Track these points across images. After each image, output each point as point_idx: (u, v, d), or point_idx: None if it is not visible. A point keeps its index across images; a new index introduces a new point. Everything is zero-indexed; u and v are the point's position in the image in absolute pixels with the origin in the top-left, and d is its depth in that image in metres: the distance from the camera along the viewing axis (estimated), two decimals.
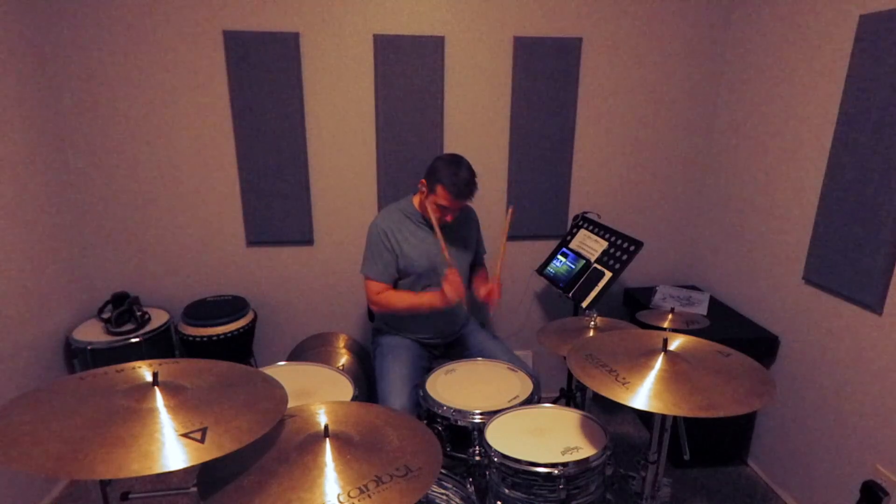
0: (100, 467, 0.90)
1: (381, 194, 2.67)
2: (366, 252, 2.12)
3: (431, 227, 2.12)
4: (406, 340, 2.22)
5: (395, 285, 2.15)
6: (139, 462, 0.92)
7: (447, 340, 2.29)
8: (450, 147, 2.64)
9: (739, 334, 2.36)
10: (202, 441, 0.99)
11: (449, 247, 2.14)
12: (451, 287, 1.96)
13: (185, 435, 1.00)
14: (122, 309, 2.36)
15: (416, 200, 2.14)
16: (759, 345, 2.34)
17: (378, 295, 2.08)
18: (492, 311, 2.13)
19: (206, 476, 1.06)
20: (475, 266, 2.37)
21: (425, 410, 1.80)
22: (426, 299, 2.03)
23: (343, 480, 1.02)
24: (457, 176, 1.95)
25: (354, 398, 1.70)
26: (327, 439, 1.12)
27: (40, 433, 0.97)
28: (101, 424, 1.00)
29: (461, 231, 2.21)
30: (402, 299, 2.08)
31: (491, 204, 2.75)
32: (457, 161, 1.99)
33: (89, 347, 2.23)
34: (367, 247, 2.11)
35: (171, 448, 0.96)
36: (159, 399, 1.09)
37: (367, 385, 2.64)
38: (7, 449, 0.93)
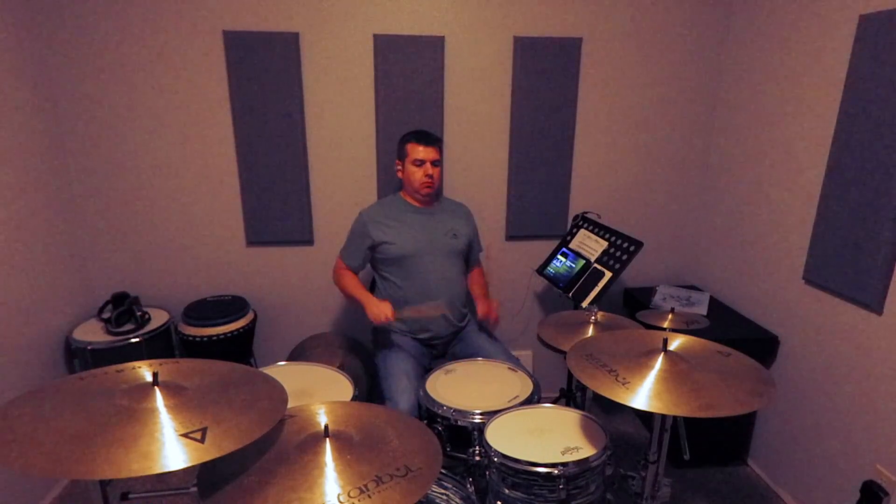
0: (100, 467, 0.90)
1: (381, 194, 2.67)
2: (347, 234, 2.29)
3: (418, 214, 2.23)
4: (406, 337, 2.24)
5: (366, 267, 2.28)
6: (139, 462, 0.92)
7: (444, 340, 2.30)
8: (450, 147, 2.63)
9: (739, 334, 2.36)
10: (202, 441, 0.99)
11: (440, 235, 2.20)
12: (375, 308, 2.02)
13: (185, 435, 1.00)
14: (122, 309, 2.36)
15: (403, 194, 2.29)
16: (759, 345, 2.34)
17: (339, 270, 2.26)
18: (493, 329, 2.14)
19: (206, 476, 1.06)
20: (470, 263, 2.39)
21: (425, 410, 1.81)
22: (360, 296, 2.11)
23: (343, 480, 1.02)
24: (417, 129, 2.23)
25: (354, 398, 1.70)
26: (327, 439, 1.12)
27: (40, 433, 0.97)
28: (101, 424, 1.00)
29: (452, 219, 2.28)
30: (349, 284, 2.19)
31: (491, 204, 2.75)
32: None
33: (89, 347, 2.23)
34: (349, 230, 2.28)
35: (171, 448, 0.96)
36: (159, 399, 1.09)
37: (367, 385, 2.63)
38: (7, 449, 0.93)
